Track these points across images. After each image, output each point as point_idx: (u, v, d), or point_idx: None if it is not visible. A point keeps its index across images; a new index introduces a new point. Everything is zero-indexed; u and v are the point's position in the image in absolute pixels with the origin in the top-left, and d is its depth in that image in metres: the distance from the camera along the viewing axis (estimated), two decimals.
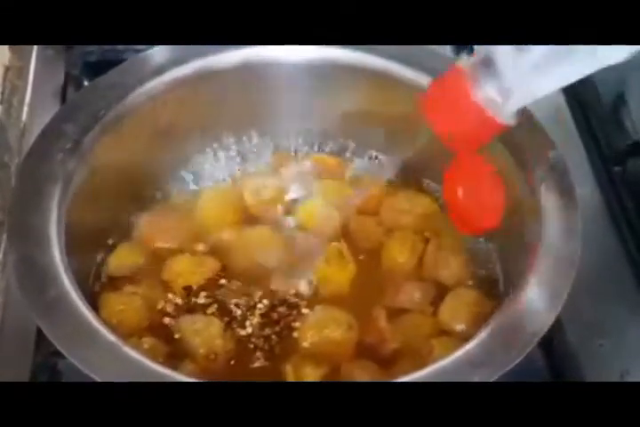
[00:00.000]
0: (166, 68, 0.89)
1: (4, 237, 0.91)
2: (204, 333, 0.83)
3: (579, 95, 1.12)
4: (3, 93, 1.06)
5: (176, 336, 0.84)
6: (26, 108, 1.10)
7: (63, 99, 1.10)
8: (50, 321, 0.70)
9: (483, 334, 0.69)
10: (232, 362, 0.83)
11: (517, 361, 0.67)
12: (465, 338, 0.79)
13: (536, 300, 0.71)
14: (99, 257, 0.91)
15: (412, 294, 0.86)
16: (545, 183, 0.79)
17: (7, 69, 1.05)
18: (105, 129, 0.85)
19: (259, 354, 0.83)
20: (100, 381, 0.65)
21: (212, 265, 0.88)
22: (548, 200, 0.78)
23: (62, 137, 0.82)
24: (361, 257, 0.90)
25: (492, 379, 0.66)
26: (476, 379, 0.65)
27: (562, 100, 1.13)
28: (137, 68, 0.89)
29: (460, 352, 0.68)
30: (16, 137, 1.04)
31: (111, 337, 0.69)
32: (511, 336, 0.69)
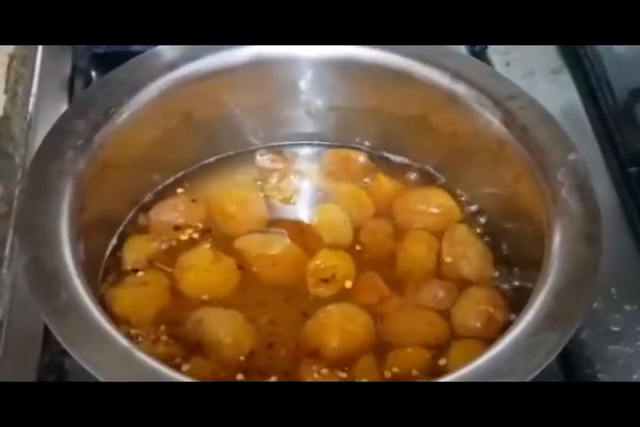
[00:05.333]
0: (178, 63, 0.87)
1: (10, 231, 0.91)
2: (227, 323, 0.81)
3: (594, 93, 1.10)
4: (7, 82, 1.04)
5: (190, 329, 0.82)
6: (32, 100, 1.08)
7: (70, 91, 1.09)
8: (62, 325, 0.68)
9: (502, 345, 0.67)
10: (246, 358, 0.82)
11: (537, 372, 0.65)
12: (479, 339, 0.79)
13: (556, 309, 0.70)
14: (108, 251, 0.90)
15: (435, 293, 0.85)
16: (566, 188, 0.77)
17: (12, 58, 1.04)
18: (116, 126, 0.83)
19: (275, 351, 0.82)
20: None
21: (226, 263, 0.87)
22: (569, 205, 0.76)
23: (73, 134, 0.81)
24: (375, 261, 0.89)
25: None
26: None
27: (577, 98, 1.11)
28: (148, 63, 0.87)
29: (480, 361, 0.66)
30: (21, 127, 1.03)
31: (125, 342, 0.68)
32: (531, 347, 0.67)
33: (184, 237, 0.89)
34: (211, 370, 0.79)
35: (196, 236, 0.90)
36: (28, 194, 0.76)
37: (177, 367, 0.77)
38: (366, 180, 0.95)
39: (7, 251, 0.93)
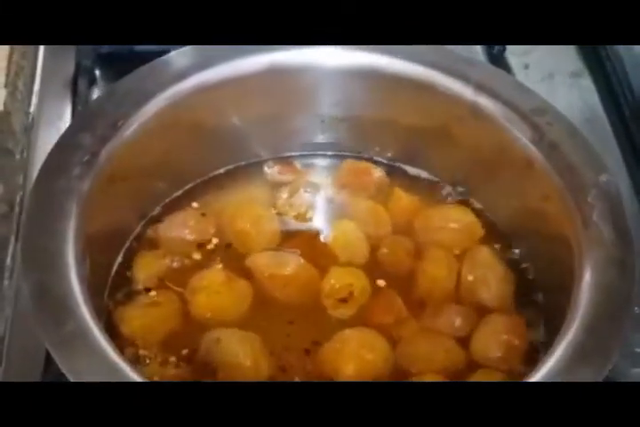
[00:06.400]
0: (188, 72, 0.83)
1: (12, 233, 0.88)
2: (247, 345, 0.78)
3: (615, 97, 1.07)
4: (7, 76, 1.01)
5: (204, 350, 0.79)
6: (35, 98, 1.05)
7: (74, 90, 1.06)
8: (68, 357, 0.65)
9: None
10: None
11: None
12: (499, 370, 0.76)
13: (589, 344, 0.67)
14: (115, 266, 0.87)
15: (452, 319, 0.82)
16: (597, 211, 0.74)
17: (12, 51, 1.00)
18: (124, 138, 0.80)
19: (289, 376, 0.80)
20: None
21: (238, 285, 0.83)
22: (601, 231, 0.73)
23: (79, 149, 0.77)
24: (392, 281, 0.86)
25: None
26: None
27: (597, 102, 1.07)
28: (157, 72, 0.83)
29: None
30: (22, 123, 1.00)
31: (134, 376, 0.64)
32: None
33: (195, 254, 0.87)
34: None
35: (207, 252, 0.87)
36: (33, 215, 0.73)
37: None
38: (383, 194, 0.92)
39: (9, 259, 0.90)
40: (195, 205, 0.91)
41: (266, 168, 0.94)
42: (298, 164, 0.95)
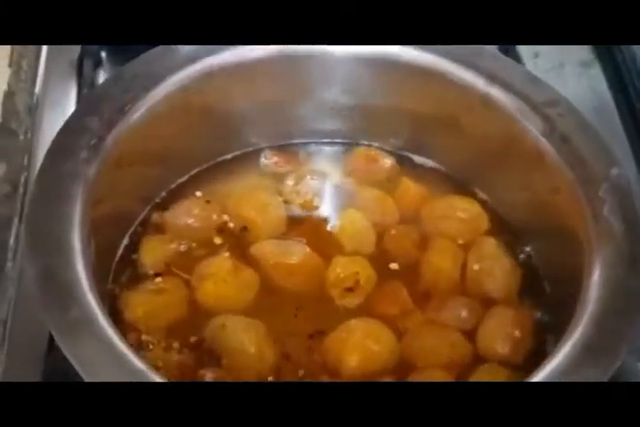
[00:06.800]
0: (198, 56, 0.82)
1: (16, 214, 0.88)
2: (252, 332, 0.78)
3: (625, 88, 1.07)
4: (12, 56, 1.02)
5: (209, 336, 0.79)
6: (40, 79, 1.05)
7: (79, 71, 1.05)
8: (73, 344, 0.64)
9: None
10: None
11: None
12: (504, 364, 0.76)
13: (597, 342, 0.66)
14: (120, 250, 0.86)
15: (458, 312, 0.81)
16: (608, 206, 0.73)
17: None
18: (131, 123, 0.79)
19: (293, 365, 0.79)
20: None
21: (245, 274, 0.82)
22: (612, 226, 0.72)
23: (86, 133, 0.76)
24: (398, 271, 0.85)
25: None
26: None
27: (607, 93, 1.07)
28: (166, 56, 0.82)
29: None
30: (26, 104, 1.00)
31: (139, 363, 0.64)
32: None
33: (201, 241, 0.86)
34: None
35: (212, 240, 0.86)
36: (39, 199, 0.72)
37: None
38: (391, 183, 0.91)
39: (12, 240, 0.89)
40: (200, 191, 0.90)
41: (263, 158, 0.93)
42: (307, 151, 0.94)
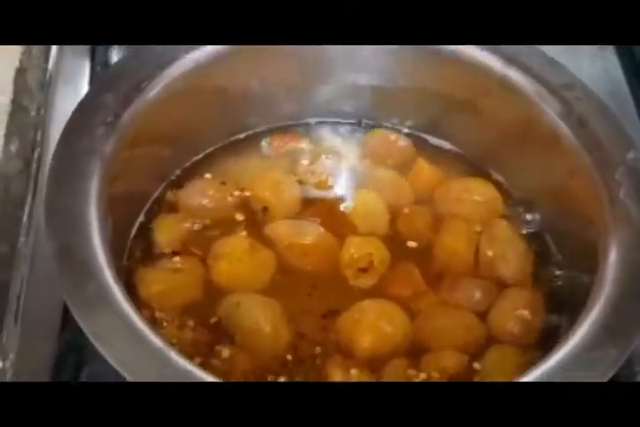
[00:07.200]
0: None
1: (29, 192, 0.89)
2: (268, 311, 0.78)
3: (637, 66, 1.06)
4: None
5: (223, 314, 0.79)
6: (52, 55, 1.04)
7: (92, 47, 1.04)
8: (90, 319, 0.64)
9: (556, 360, 0.64)
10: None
11: None
12: (516, 345, 0.76)
13: (614, 323, 0.66)
14: (134, 228, 0.86)
15: (471, 293, 0.81)
16: (624, 189, 0.73)
17: None
18: (147, 100, 0.79)
19: (307, 345, 0.79)
20: None
21: (261, 254, 0.82)
22: (628, 209, 0.72)
23: (102, 109, 0.76)
24: (411, 252, 0.85)
25: None
26: None
27: (621, 76, 1.06)
28: None
29: (533, 376, 0.63)
30: (38, 80, 0.99)
31: (157, 341, 0.64)
32: (588, 364, 0.64)
33: (216, 221, 0.86)
34: (244, 362, 0.76)
35: (228, 220, 0.86)
36: (56, 176, 0.72)
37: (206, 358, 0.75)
38: (407, 165, 0.91)
39: (25, 217, 0.89)
40: (214, 170, 0.90)
41: (278, 139, 0.93)
42: (322, 131, 0.94)
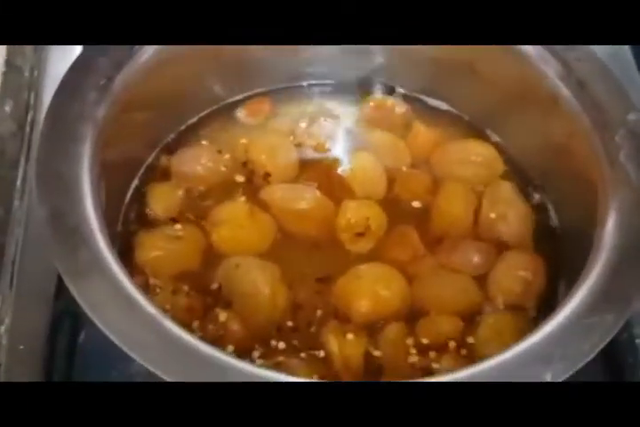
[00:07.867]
0: None
1: (23, 154, 0.88)
2: (267, 273, 0.77)
3: None
4: None
5: (221, 277, 0.78)
6: None
7: None
8: (82, 286, 0.64)
9: (553, 326, 0.63)
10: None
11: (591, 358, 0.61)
12: (513, 310, 0.76)
13: (611, 288, 0.66)
14: (129, 193, 0.85)
15: (470, 256, 0.80)
16: (624, 151, 0.72)
17: None
18: (140, 63, 0.78)
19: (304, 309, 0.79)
20: (136, 357, 0.60)
21: (262, 219, 0.82)
22: (628, 172, 0.71)
23: (94, 73, 0.75)
24: (409, 215, 0.84)
25: (565, 377, 0.60)
26: (549, 377, 0.60)
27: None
28: None
29: (529, 343, 0.63)
30: None
31: (151, 309, 0.63)
32: (585, 329, 0.64)
33: (212, 186, 0.85)
34: (240, 327, 0.76)
35: (224, 184, 0.85)
36: (48, 139, 0.71)
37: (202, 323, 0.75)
38: (404, 128, 0.90)
39: (19, 181, 0.88)
40: (210, 135, 0.89)
41: (275, 100, 0.91)
42: (317, 93, 0.93)
